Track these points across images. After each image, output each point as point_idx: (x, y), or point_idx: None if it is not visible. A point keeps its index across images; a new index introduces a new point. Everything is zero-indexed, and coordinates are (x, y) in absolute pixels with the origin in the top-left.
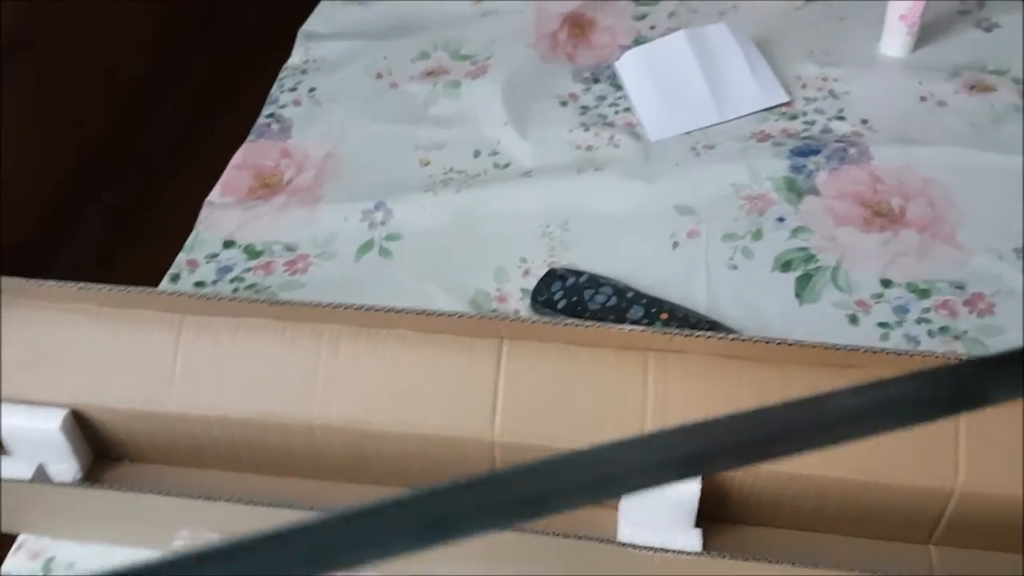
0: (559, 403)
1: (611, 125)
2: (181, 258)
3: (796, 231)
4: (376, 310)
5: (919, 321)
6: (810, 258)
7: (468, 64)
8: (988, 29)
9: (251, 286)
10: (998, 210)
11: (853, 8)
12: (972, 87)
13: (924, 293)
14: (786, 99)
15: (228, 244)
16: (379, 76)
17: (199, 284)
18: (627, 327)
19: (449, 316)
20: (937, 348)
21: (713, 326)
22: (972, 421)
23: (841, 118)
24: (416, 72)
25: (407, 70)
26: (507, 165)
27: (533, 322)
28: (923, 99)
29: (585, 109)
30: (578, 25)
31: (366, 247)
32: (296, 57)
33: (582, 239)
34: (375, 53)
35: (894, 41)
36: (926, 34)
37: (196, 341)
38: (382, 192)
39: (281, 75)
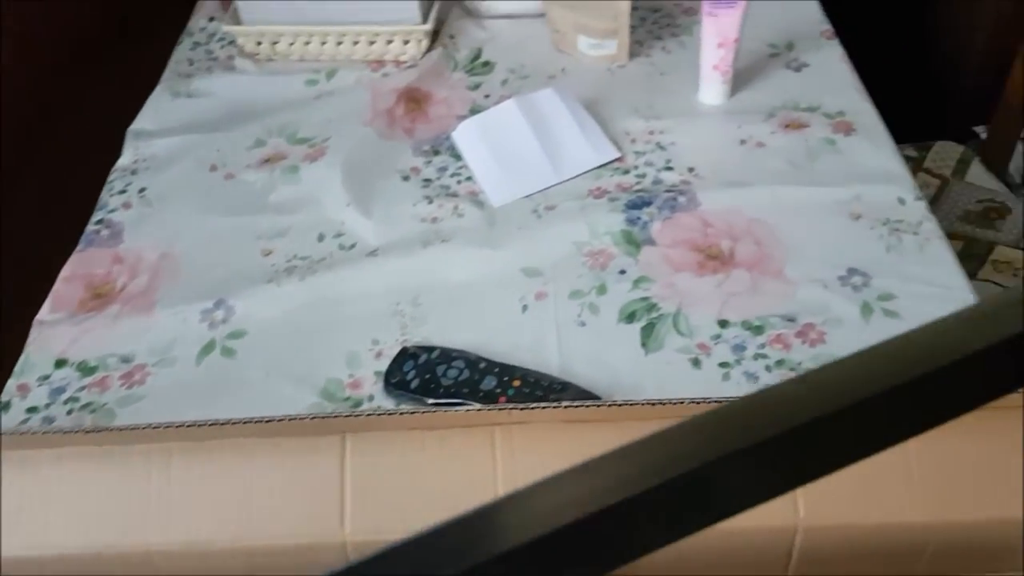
0: (409, 493)
1: (454, 195)
2: (11, 384)
3: (637, 282)
4: (205, 424)
5: (756, 357)
6: (652, 307)
7: (306, 147)
8: (798, 69)
9: (86, 405)
10: (820, 242)
11: (671, 62)
12: (787, 126)
13: (758, 329)
14: (617, 155)
15: (60, 363)
16: (213, 168)
17: (32, 410)
18: (464, 408)
19: (286, 419)
20: (775, 382)
21: (565, 387)
22: None
23: (669, 168)
24: (252, 160)
25: (243, 159)
26: (353, 246)
27: (370, 415)
28: (743, 142)
29: (428, 182)
30: (414, 100)
31: (207, 349)
32: (125, 158)
33: (434, 313)
34: (208, 146)
35: (711, 90)
36: (741, 80)
37: (18, 479)
38: (222, 289)
39: (110, 178)
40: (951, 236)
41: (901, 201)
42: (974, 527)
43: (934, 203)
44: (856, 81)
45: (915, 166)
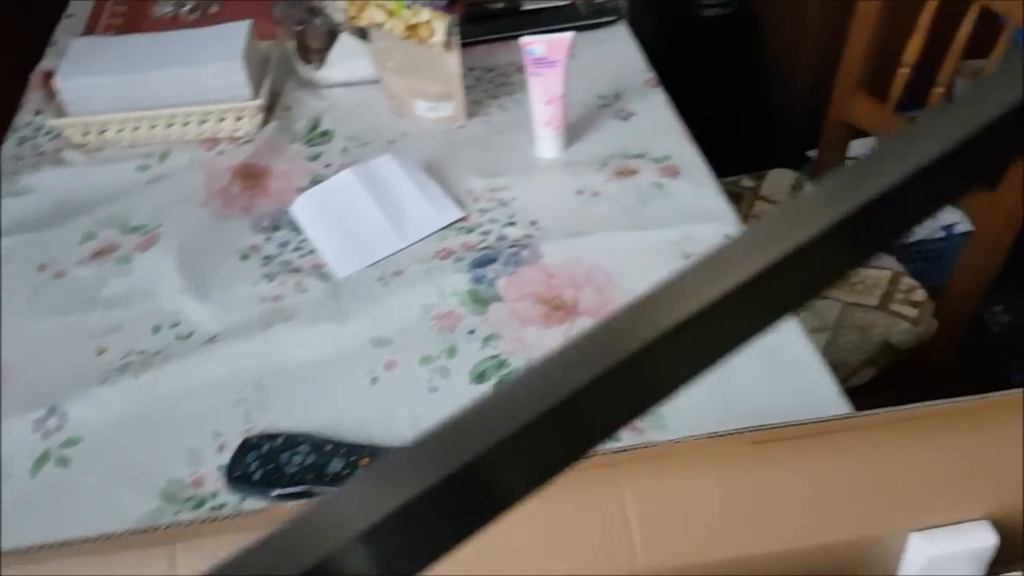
0: None
1: (297, 270)
2: None
3: (487, 340)
4: (32, 549)
5: None
6: (502, 364)
7: (138, 236)
8: (626, 118)
9: None
10: (655, 283)
11: (508, 120)
12: (619, 173)
13: None
14: (461, 215)
15: None
16: (42, 268)
17: None
18: (281, 504)
19: (115, 535)
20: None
21: None
22: (639, 504)
23: (512, 223)
24: (83, 255)
25: (73, 255)
26: (191, 335)
27: (189, 523)
28: (579, 192)
29: (268, 259)
30: (251, 176)
31: (42, 460)
32: None
33: (279, 397)
34: (36, 244)
35: (546, 145)
36: (574, 132)
37: None
38: (54, 395)
39: None
40: None
41: (727, 237)
42: (813, 552)
43: None
44: (679, 125)
45: (752, 195)
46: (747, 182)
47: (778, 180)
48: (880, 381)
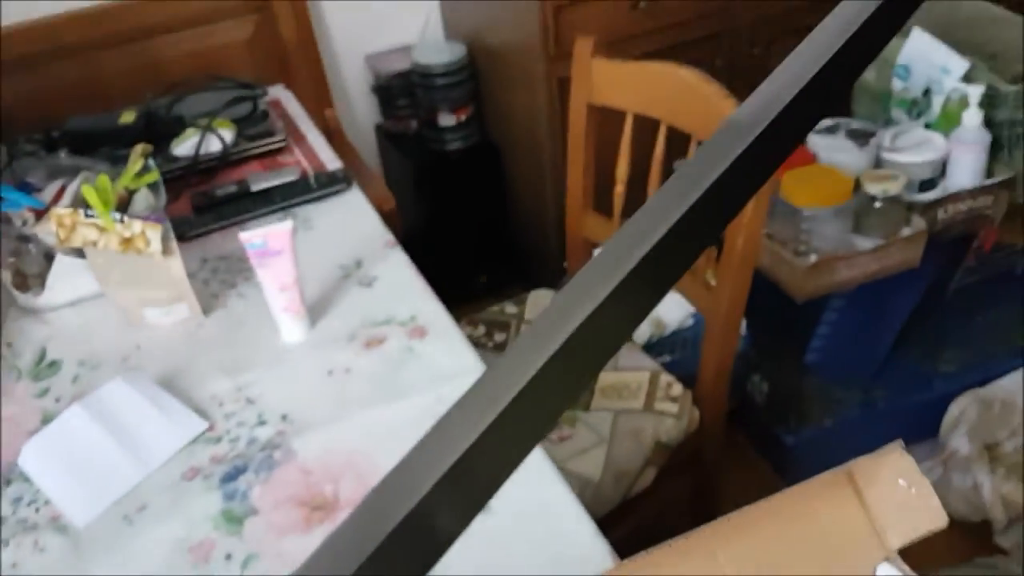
0: None
1: (34, 528)
2: None
3: (245, 563)
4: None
5: None
6: None
7: None
8: (369, 284)
9: None
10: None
11: (248, 308)
12: (368, 344)
13: None
14: (205, 425)
15: None
16: None
17: None
18: None
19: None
20: None
21: None
22: None
23: (263, 423)
24: None
25: None
26: None
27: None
28: (330, 373)
29: (2, 520)
30: None
31: None
32: None
33: None
34: None
35: (290, 329)
36: (319, 308)
37: None
38: None
39: None
40: None
41: None
42: None
43: None
44: (421, 283)
45: (518, 320)
46: (511, 308)
47: (539, 300)
48: (663, 478)
